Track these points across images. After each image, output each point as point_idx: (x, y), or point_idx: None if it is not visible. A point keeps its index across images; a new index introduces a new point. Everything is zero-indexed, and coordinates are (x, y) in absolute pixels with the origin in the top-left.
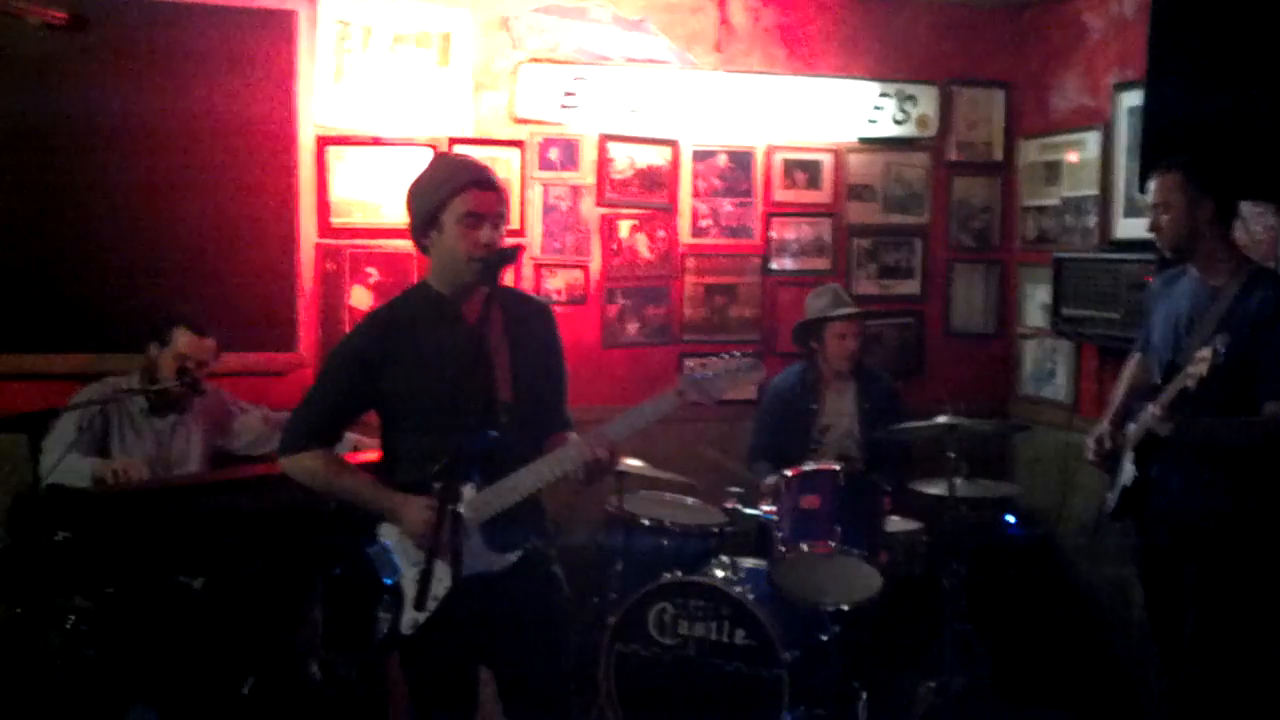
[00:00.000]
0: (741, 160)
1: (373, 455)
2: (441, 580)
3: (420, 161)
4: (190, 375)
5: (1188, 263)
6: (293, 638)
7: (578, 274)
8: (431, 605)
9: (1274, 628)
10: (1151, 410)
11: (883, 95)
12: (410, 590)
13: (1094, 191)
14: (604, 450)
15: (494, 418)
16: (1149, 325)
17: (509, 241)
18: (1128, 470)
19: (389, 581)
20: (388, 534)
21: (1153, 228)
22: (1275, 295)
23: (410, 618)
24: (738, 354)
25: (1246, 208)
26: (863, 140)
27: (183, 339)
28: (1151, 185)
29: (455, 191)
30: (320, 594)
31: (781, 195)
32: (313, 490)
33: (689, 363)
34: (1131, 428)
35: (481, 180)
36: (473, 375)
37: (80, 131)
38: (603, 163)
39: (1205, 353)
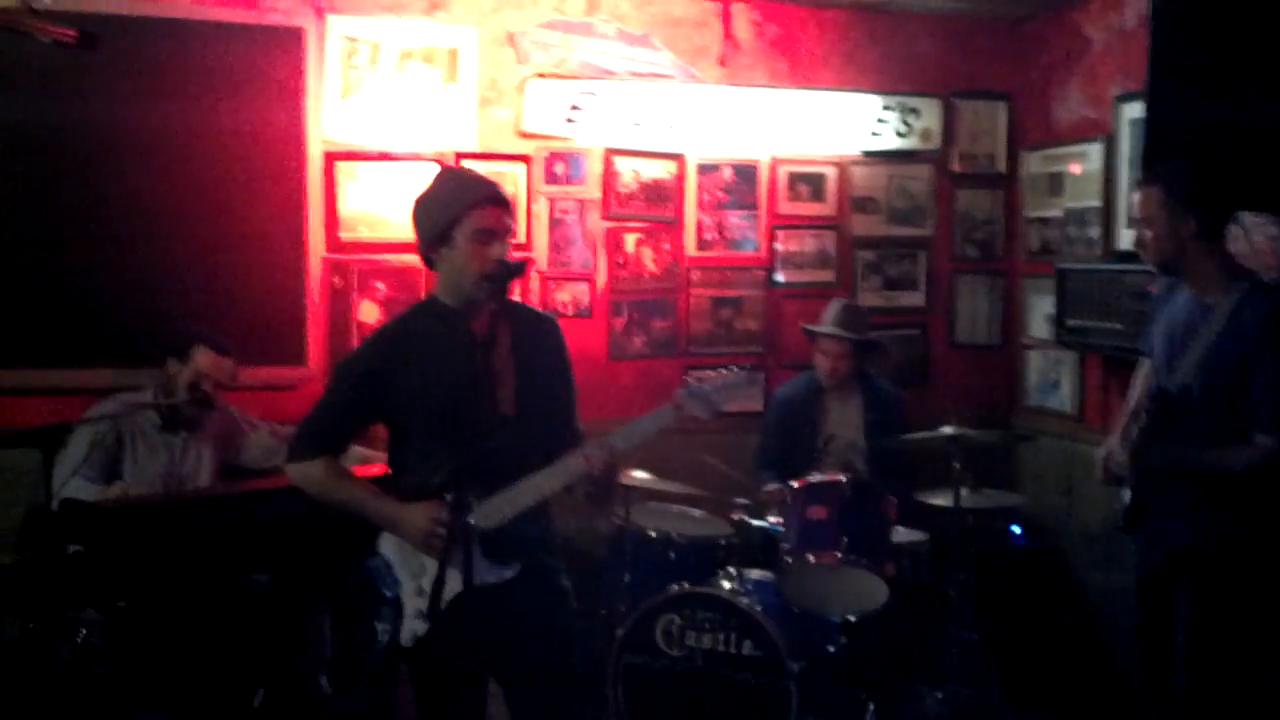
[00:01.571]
0: (746, 173)
1: (378, 469)
2: (452, 589)
3: (427, 177)
4: (202, 392)
5: (1178, 277)
6: (302, 650)
7: (583, 287)
8: (434, 617)
9: (1262, 652)
10: (1130, 434)
11: (886, 108)
12: (410, 603)
13: (1097, 203)
14: (600, 461)
15: (496, 431)
16: (1150, 333)
17: (517, 255)
18: (1124, 491)
19: (389, 594)
20: (387, 547)
21: (1137, 243)
22: (1267, 315)
23: (410, 630)
24: (735, 368)
25: (1247, 217)
26: (866, 153)
27: (203, 357)
28: (1134, 200)
29: (468, 208)
30: (328, 607)
31: (786, 208)
32: (316, 499)
33: (688, 377)
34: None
35: (493, 196)
36: (476, 389)
37: (91, 147)
38: (608, 176)
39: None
